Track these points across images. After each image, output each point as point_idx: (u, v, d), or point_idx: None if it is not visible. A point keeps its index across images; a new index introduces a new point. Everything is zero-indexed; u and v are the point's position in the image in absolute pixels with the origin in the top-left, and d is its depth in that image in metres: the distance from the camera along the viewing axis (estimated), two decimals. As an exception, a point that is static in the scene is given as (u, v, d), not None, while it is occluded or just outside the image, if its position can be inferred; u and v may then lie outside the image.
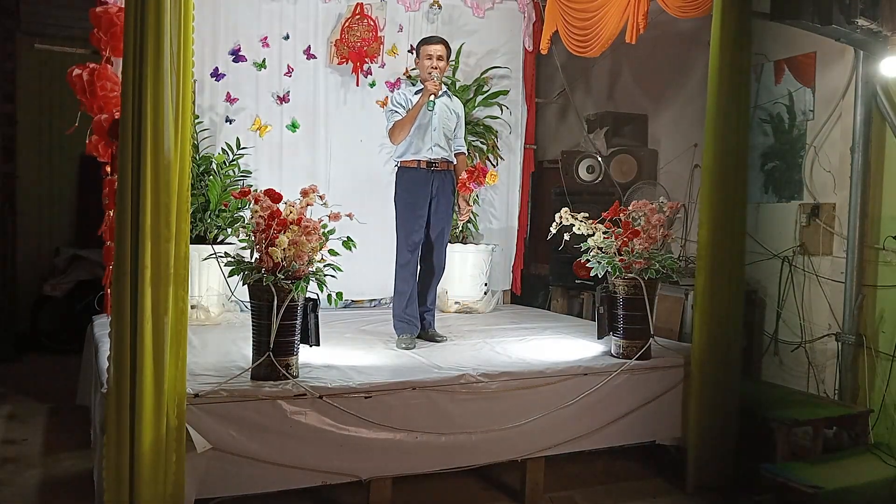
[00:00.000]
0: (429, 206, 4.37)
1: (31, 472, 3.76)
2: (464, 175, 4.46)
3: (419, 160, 4.35)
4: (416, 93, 4.37)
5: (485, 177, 4.45)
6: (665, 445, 3.95)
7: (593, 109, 6.23)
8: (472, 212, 4.77)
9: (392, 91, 5.43)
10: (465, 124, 5.57)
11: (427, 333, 4.39)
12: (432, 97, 4.21)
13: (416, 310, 4.36)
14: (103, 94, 3.95)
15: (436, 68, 4.31)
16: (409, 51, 5.56)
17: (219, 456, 2.99)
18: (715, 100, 3.70)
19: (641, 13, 4.46)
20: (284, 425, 3.11)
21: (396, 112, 4.33)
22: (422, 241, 4.38)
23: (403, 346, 4.15)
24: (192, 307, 4.53)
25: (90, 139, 4.12)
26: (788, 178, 4.63)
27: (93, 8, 4.23)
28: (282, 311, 3.15)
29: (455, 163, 4.51)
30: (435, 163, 4.36)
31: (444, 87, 4.45)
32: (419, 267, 4.47)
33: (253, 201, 3.23)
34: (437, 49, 4.37)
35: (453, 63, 5.67)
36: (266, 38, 5.26)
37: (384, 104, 5.39)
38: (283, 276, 3.13)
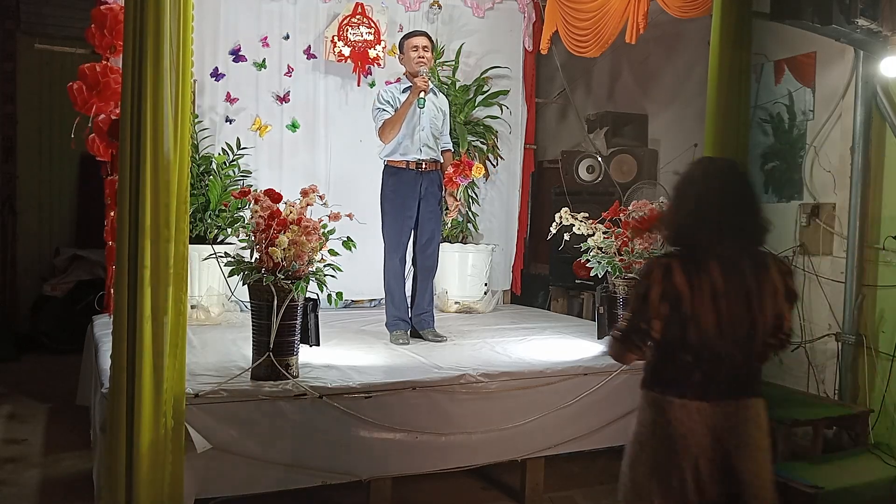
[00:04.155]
0: (418, 207, 4.36)
1: (31, 472, 3.76)
2: (450, 169, 4.40)
3: (408, 161, 4.32)
4: (403, 90, 4.33)
5: (471, 170, 4.41)
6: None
7: (593, 109, 6.22)
8: (459, 208, 4.68)
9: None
10: (465, 124, 5.56)
11: (427, 333, 4.38)
12: (422, 94, 4.16)
13: (406, 309, 4.37)
14: (116, 88, 3.93)
15: (423, 58, 4.27)
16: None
17: (219, 456, 2.99)
18: (715, 100, 3.69)
19: (641, 13, 4.46)
20: (284, 425, 3.11)
21: (384, 111, 4.27)
22: (409, 241, 4.37)
23: (402, 341, 4.20)
24: (192, 307, 4.52)
25: (89, 138, 4.13)
26: (788, 178, 4.62)
27: (95, 8, 4.24)
28: (282, 311, 3.15)
29: (442, 161, 4.48)
30: (423, 163, 4.34)
31: (431, 84, 4.41)
32: (413, 269, 4.47)
33: (253, 201, 3.23)
34: (422, 41, 4.32)
35: (453, 63, 5.67)
36: (266, 38, 5.26)
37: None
38: (283, 276, 3.12)
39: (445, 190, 4.46)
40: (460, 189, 4.53)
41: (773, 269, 2.13)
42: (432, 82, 4.56)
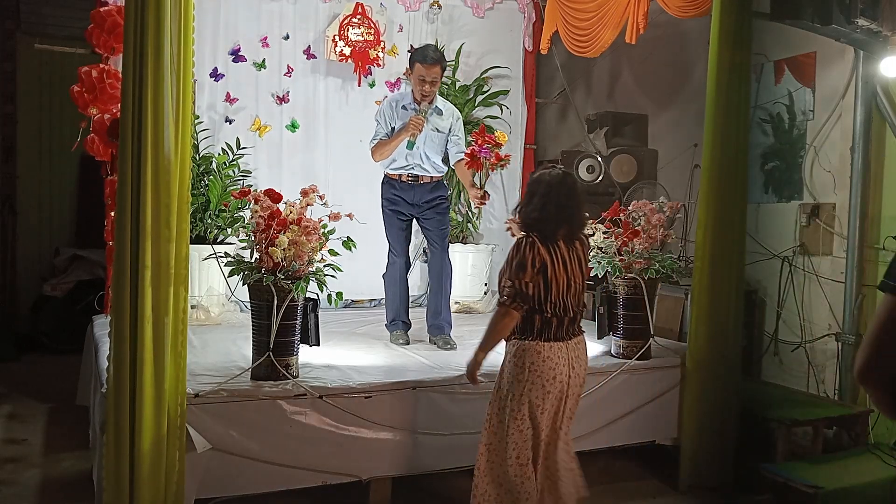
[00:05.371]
0: (415, 217, 4.37)
1: (31, 472, 3.76)
2: (468, 149, 4.22)
3: (402, 173, 4.34)
4: (403, 105, 4.32)
5: (493, 138, 4.13)
6: (665, 446, 3.95)
7: (593, 109, 6.22)
8: (480, 199, 4.38)
9: (387, 95, 5.38)
10: (465, 124, 5.53)
11: (438, 340, 4.27)
12: (412, 138, 4.17)
13: (406, 310, 4.38)
14: (112, 93, 3.94)
15: (427, 95, 4.23)
16: (408, 51, 5.55)
17: (219, 456, 2.99)
18: (715, 100, 3.70)
19: (641, 13, 4.46)
20: (284, 425, 3.12)
21: (380, 127, 4.31)
22: (407, 246, 4.41)
23: (401, 341, 4.22)
24: (192, 307, 4.52)
25: (88, 138, 4.13)
26: (788, 178, 4.63)
27: (95, 10, 4.23)
28: (282, 311, 3.15)
29: (437, 175, 4.40)
30: (419, 177, 4.34)
31: (437, 102, 4.34)
32: (429, 276, 4.50)
33: (253, 201, 3.23)
34: (434, 73, 4.20)
35: (452, 63, 5.67)
36: (266, 38, 5.26)
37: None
38: (283, 276, 3.12)
39: (474, 175, 4.32)
40: (481, 174, 4.31)
41: (585, 244, 3.05)
42: (441, 95, 4.51)
